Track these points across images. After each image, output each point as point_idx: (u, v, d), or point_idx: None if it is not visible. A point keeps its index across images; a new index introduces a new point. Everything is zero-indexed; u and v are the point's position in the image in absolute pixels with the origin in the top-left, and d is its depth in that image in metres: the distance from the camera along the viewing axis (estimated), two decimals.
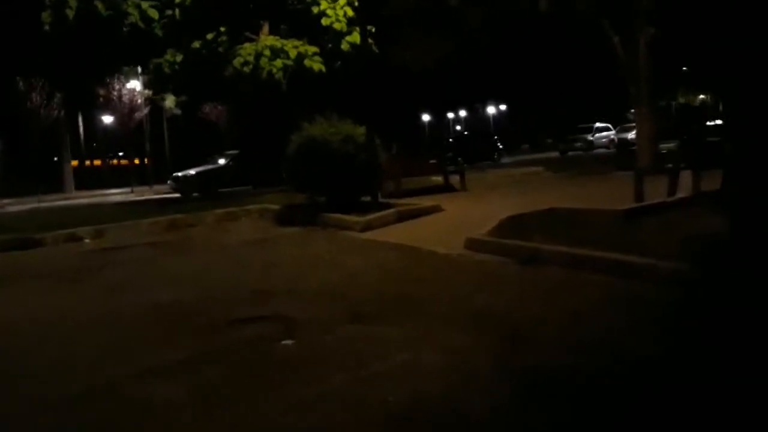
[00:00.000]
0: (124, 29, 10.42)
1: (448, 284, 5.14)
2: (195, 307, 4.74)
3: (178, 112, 30.98)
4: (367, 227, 7.91)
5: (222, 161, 22.29)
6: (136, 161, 38.05)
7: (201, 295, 5.09)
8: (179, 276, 5.95)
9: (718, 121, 29.46)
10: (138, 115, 28.53)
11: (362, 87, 9.60)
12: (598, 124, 39.88)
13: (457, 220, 8.25)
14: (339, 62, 11.79)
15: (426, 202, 9.20)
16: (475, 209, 9.21)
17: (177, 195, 21.02)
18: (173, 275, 6.00)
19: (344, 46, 11.35)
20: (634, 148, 17.89)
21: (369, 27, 10.79)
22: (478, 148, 31.32)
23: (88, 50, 12.29)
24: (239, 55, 11.09)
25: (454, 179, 13.26)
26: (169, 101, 29.72)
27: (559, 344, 3.46)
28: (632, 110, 63.57)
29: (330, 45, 11.55)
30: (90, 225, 8.89)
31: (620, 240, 5.75)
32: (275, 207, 9.76)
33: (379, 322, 4.08)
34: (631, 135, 41.57)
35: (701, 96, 66.80)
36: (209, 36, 11.29)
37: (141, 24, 10.37)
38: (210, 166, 21.89)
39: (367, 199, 9.14)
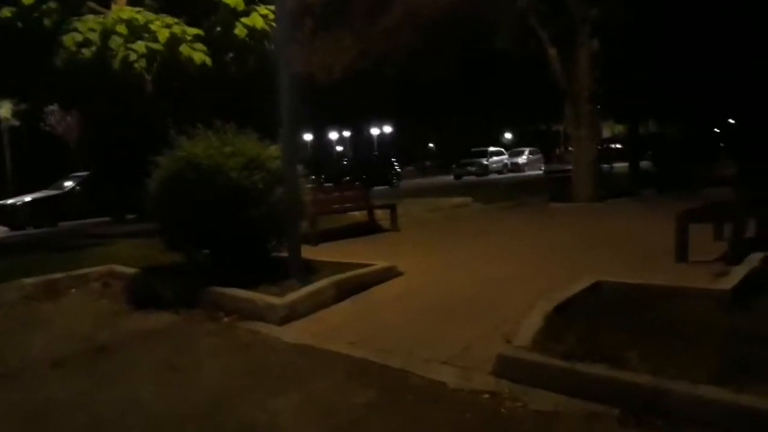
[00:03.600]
0: None
1: None
2: None
3: (15, 123, 25.27)
4: (291, 315, 4.67)
5: (69, 185, 17.73)
6: None
7: None
8: None
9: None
10: None
11: (259, 93, 6.41)
12: (492, 148, 39.06)
13: (431, 295, 5.22)
14: (231, 54, 8.38)
15: (374, 259, 6.07)
16: (445, 269, 6.25)
17: (4, 229, 16.20)
18: None
19: (239, 31, 7.86)
20: (565, 175, 16.07)
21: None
22: (375, 171, 28.75)
23: None
24: (75, 30, 7.23)
25: (379, 214, 10.31)
26: (4, 109, 24.16)
27: None
28: (507, 134, 64.16)
29: (219, 29, 8.07)
30: None
31: None
32: (129, 270, 6.12)
33: None
34: (522, 159, 41.35)
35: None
36: (28, 0, 7.34)
37: None
38: (50, 192, 17.23)
39: (280, 254, 5.92)
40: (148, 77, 7.99)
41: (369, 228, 9.71)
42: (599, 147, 15.55)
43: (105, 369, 3.82)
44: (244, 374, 3.66)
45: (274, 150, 5.76)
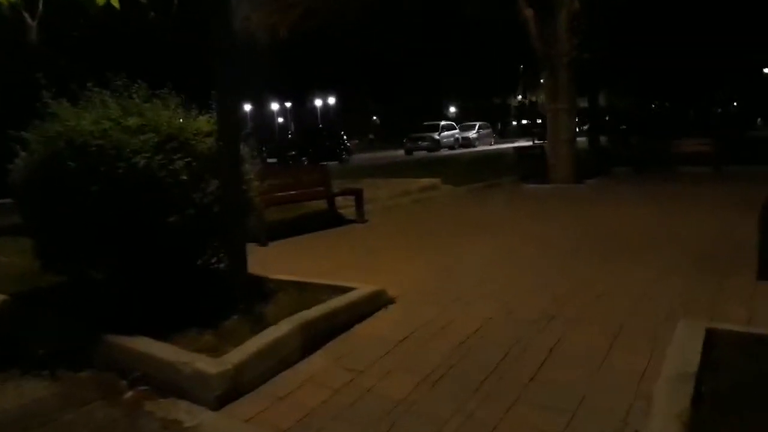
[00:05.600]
0: None
1: None
2: None
3: None
4: (234, 389, 2.91)
5: None
6: None
7: None
8: None
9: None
10: None
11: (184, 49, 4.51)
12: (443, 122, 37.62)
13: (446, 343, 3.54)
14: None
15: (346, 269, 4.37)
16: (448, 289, 4.55)
17: None
18: None
19: None
20: (535, 152, 14.69)
21: None
22: (323, 146, 26.84)
23: None
24: None
25: (340, 202, 8.58)
26: None
27: None
28: (451, 108, 63.39)
29: None
30: None
31: None
32: None
33: None
34: (472, 134, 40.13)
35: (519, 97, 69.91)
36: None
37: None
38: None
39: (217, 263, 4.17)
40: (32, 22, 5.89)
41: (329, 219, 7.96)
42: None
43: None
44: None
45: (204, 123, 3.91)
